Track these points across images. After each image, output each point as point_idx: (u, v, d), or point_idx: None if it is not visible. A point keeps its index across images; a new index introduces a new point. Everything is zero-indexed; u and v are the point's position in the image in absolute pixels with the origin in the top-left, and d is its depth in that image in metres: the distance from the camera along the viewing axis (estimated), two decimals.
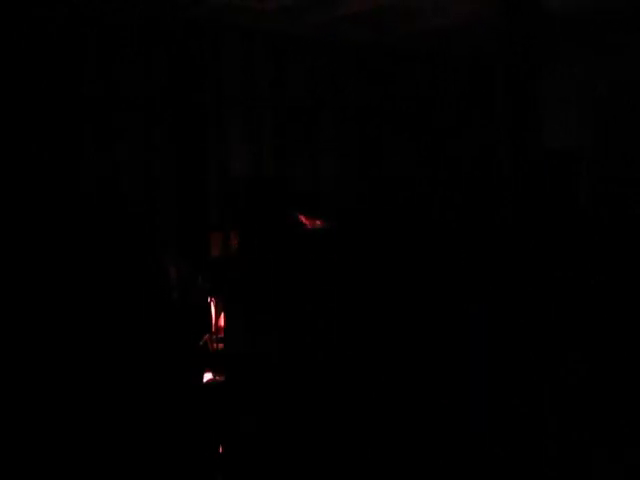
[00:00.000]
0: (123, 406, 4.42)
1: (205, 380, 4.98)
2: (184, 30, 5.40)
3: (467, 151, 6.59)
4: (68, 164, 4.96)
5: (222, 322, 5.32)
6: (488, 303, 4.60)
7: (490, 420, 4.24)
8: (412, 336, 4.79)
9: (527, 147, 6.29)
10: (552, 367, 4.30)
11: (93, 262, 4.91)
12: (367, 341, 4.69)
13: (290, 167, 6.01)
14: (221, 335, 5.26)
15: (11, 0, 4.75)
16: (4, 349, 4.25)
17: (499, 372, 4.38)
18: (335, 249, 4.88)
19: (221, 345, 5.21)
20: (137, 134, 5.30)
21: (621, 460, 3.90)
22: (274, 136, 5.95)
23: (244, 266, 4.75)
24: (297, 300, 4.69)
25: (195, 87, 5.54)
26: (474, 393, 4.42)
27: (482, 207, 6.09)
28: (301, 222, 5.47)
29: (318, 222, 5.55)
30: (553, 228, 5.35)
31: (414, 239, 5.36)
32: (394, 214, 6.00)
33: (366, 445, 4.24)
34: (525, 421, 4.16)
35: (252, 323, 4.62)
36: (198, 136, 5.56)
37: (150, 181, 5.36)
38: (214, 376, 5.04)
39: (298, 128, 6.03)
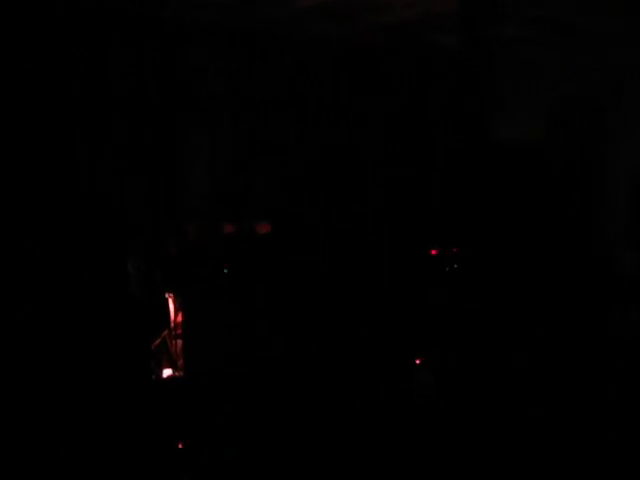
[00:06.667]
0: (79, 400, 4.43)
1: (165, 376, 5.01)
2: (148, 29, 5.36)
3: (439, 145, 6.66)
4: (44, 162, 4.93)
5: (180, 318, 5.33)
6: None
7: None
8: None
9: (484, 142, 6.42)
10: None
11: (51, 256, 4.88)
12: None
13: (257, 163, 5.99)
14: (179, 332, 5.28)
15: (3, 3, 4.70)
16: None
17: None
18: None
19: (180, 341, 5.23)
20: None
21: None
22: (243, 134, 5.92)
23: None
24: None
25: (165, 85, 5.52)
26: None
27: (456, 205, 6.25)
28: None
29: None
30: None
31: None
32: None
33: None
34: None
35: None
36: (161, 135, 5.54)
37: (114, 178, 5.32)
38: (173, 372, 5.06)
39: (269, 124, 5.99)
